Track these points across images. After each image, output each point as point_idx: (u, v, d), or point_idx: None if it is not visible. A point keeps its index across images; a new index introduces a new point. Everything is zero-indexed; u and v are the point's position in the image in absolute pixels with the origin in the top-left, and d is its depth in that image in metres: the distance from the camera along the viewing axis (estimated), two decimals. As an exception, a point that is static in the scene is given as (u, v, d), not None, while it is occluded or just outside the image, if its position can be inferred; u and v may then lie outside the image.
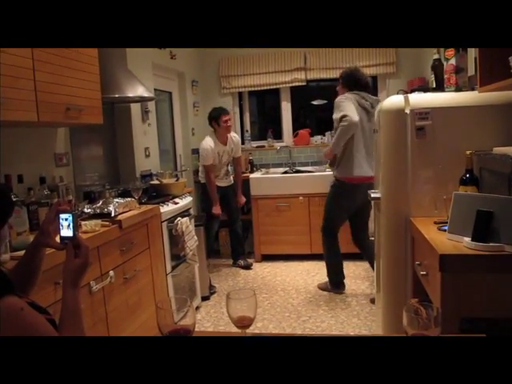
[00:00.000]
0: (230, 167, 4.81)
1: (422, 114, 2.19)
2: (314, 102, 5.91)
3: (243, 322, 1.19)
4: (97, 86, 2.76)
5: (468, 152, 1.98)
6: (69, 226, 1.29)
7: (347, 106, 3.49)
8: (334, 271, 3.99)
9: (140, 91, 3.29)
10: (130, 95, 3.23)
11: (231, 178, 4.79)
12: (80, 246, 1.25)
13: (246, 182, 4.95)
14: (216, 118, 4.46)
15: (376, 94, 5.43)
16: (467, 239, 1.69)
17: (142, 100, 3.65)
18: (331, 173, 4.96)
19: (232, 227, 4.89)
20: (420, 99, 2.24)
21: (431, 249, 1.72)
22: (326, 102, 5.87)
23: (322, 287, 4.09)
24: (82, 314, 1.22)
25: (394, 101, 2.28)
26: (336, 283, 3.99)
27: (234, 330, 1.21)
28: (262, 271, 4.74)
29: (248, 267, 4.82)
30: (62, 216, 1.30)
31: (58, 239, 1.32)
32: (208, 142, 4.42)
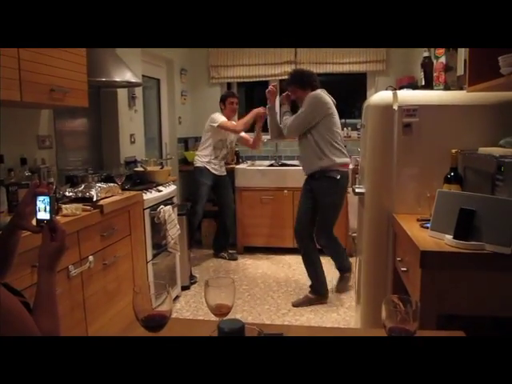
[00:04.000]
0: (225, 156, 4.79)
1: (410, 110, 2.19)
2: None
3: (221, 310, 1.18)
4: (83, 69, 2.71)
5: (453, 150, 1.99)
6: (46, 208, 1.25)
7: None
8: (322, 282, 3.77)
9: (127, 76, 3.24)
10: (117, 80, 3.18)
11: (224, 168, 4.75)
12: (56, 230, 1.22)
13: (231, 173, 4.92)
14: (224, 98, 4.64)
15: (365, 91, 5.46)
16: (449, 237, 1.70)
17: (129, 85, 3.60)
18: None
19: (222, 219, 4.86)
20: (408, 96, 2.24)
21: (413, 245, 1.72)
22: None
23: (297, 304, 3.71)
24: (57, 298, 1.19)
25: (382, 96, 2.27)
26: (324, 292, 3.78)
27: (212, 318, 1.19)
28: (244, 263, 4.73)
29: (234, 259, 4.83)
30: (40, 198, 1.26)
31: (34, 222, 1.29)
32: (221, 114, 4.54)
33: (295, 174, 4.87)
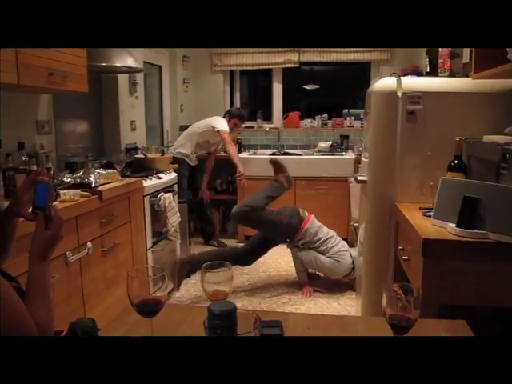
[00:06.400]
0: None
1: (414, 97, 2.15)
2: (306, 87, 5.84)
3: (218, 296, 1.16)
4: (83, 53, 2.67)
5: (457, 138, 1.95)
6: (42, 196, 1.23)
7: None
8: None
9: (129, 62, 3.20)
10: (118, 65, 3.15)
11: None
12: (52, 218, 1.19)
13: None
14: (232, 115, 4.62)
15: (369, 81, 5.39)
16: (452, 225, 1.67)
17: (130, 71, 3.56)
18: (320, 156, 4.96)
19: (200, 208, 4.83)
20: (413, 83, 2.20)
21: (415, 233, 1.69)
22: (317, 87, 5.82)
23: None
24: (50, 287, 1.16)
25: (386, 83, 2.23)
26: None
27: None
28: (245, 252, 4.70)
29: (223, 246, 4.82)
30: (39, 186, 1.24)
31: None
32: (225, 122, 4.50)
33: (297, 164, 4.85)
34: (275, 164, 3.93)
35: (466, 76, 2.24)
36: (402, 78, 2.22)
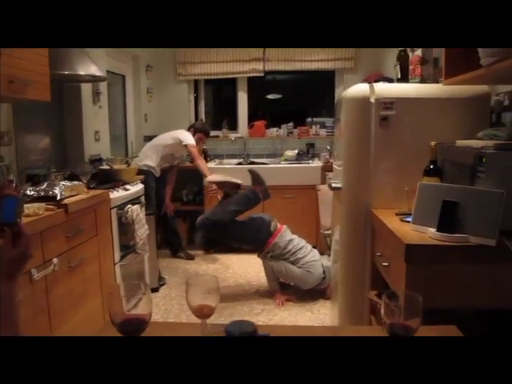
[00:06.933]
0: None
1: (387, 103, 2.16)
2: (269, 96, 5.85)
3: (203, 311, 1.10)
4: (45, 61, 2.56)
5: (433, 143, 1.96)
6: (10, 211, 1.13)
7: None
8: None
9: (92, 70, 3.10)
10: (81, 73, 3.04)
11: None
12: (21, 235, 1.10)
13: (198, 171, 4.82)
14: (197, 130, 4.58)
15: (333, 89, 5.45)
16: (432, 230, 1.66)
17: (93, 80, 3.45)
18: (287, 165, 4.95)
19: (166, 220, 4.73)
20: (385, 89, 2.21)
21: (395, 239, 1.68)
22: (280, 96, 5.84)
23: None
24: (17, 308, 1.08)
25: (358, 89, 2.23)
26: None
27: (191, 319, 1.11)
28: (214, 263, 4.64)
29: (191, 258, 4.77)
30: (6, 200, 1.14)
31: None
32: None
33: (264, 173, 4.80)
34: (254, 174, 3.88)
35: (437, 82, 2.27)
36: (374, 84, 2.22)
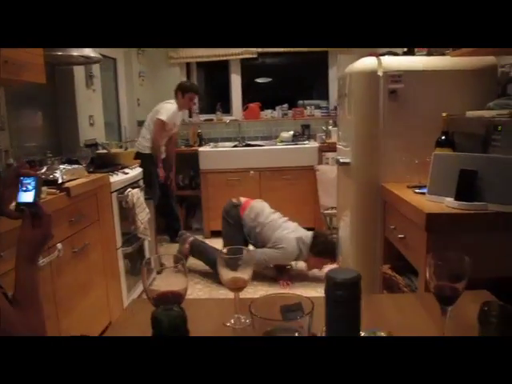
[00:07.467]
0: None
1: (395, 76, 2.13)
2: (258, 80, 5.78)
3: (237, 284, 1.08)
4: (38, 40, 2.48)
5: (444, 114, 1.95)
6: (29, 191, 1.09)
7: None
8: None
9: (86, 51, 3.02)
10: (75, 54, 2.97)
11: None
12: (41, 215, 1.06)
13: (195, 155, 4.78)
14: (185, 90, 4.34)
15: (326, 70, 5.40)
16: (449, 199, 1.65)
17: (87, 62, 3.36)
18: (283, 147, 4.90)
19: (166, 203, 4.57)
20: (393, 62, 2.18)
21: (413, 210, 1.66)
22: (270, 79, 5.78)
23: None
24: (40, 291, 1.05)
25: (366, 63, 2.20)
26: None
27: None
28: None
29: None
30: (25, 180, 1.10)
31: (12, 206, 1.11)
32: (174, 106, 4.27)
33: (260, 155, 4.80)
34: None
35: (443, 55, 2.24)
36: (381, 57, 2.19)
